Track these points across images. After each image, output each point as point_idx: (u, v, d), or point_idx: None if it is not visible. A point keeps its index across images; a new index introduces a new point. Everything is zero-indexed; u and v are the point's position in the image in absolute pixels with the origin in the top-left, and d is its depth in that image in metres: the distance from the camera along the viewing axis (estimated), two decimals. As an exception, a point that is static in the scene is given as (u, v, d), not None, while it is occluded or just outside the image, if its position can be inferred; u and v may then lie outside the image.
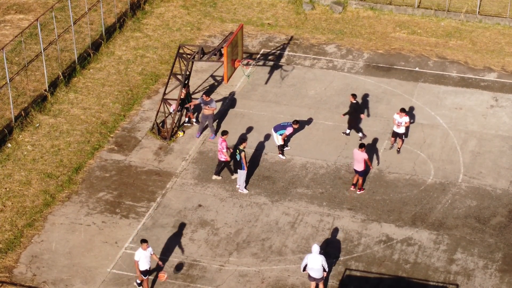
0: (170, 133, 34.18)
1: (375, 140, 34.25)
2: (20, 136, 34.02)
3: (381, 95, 37.17)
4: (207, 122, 34.25)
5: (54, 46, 38.81)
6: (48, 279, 27.63)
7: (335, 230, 29.76)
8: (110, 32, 41.13)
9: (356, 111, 33.94)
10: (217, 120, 35.15)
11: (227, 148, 31.49)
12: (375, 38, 41.69)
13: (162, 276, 26.39)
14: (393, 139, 33.51)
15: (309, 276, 26.47)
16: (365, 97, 36.99)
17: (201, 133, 34.47)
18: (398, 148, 33.44)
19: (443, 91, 37.51)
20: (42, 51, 36.54)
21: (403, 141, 33.44)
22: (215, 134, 34.45)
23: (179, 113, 34.89)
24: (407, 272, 28.06)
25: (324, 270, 26.29)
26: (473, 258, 28.62)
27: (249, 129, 34.91)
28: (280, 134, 32.76)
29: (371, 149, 33.63)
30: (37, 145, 33.58)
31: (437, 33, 42.18)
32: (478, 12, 43.25)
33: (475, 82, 38.24)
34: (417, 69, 39.22)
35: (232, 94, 36.90)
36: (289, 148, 33.70)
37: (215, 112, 34.39)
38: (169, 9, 44.13)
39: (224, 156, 31.44)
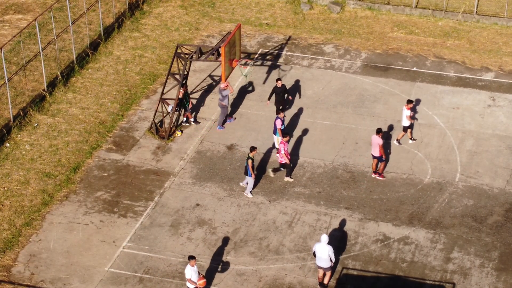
0: (168, 132, 34.27)
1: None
2: (19, 135, 34.12)
3: (378, 95, 37.27)
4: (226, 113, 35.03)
5: (52, 46, 38.90)
6: (46, 278, 27.73)
7: (333, 229, 29.85)
8: (108, 32, 41.22)
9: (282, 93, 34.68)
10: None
11: (286, 150, 31.30)
12: (373, 38, 41.78)
13: (203, 283, 26.18)
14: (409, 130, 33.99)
15: (317, 265, 27.06)
16: (362, 96, 37.09)
17: (221, 124, 34.93)
18: (397, 139, 33.88)
19: (440, 91, 37.61)
20: (41, 51, 36.63)
21: (404, 133, 33.81)
22: (222, 126, 34.79)
23: (177, 112, 34.99)
24: (404, 271, 28.15)
25: (331, 260, 26.67)
26: (469, 257, 28.72)
27: (247, 129, 35.00)
28: (277, 134, 32.87)
29: (367, 148, 33.73)
30: (35, 145, 33.67)
31: (434, 33, 42.29)
32: (476, 12, 43.35)
33: (472, 82, 38.34)
34: (414, 68, 39.32)
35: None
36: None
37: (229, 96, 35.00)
38: (167, 9, 44.22)
39: (283, 159, 31.27)
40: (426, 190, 31.70)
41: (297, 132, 34.88)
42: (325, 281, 27.21)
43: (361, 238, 29.45)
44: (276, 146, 33.15)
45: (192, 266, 25.74)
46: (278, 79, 34.65)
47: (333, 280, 27.76)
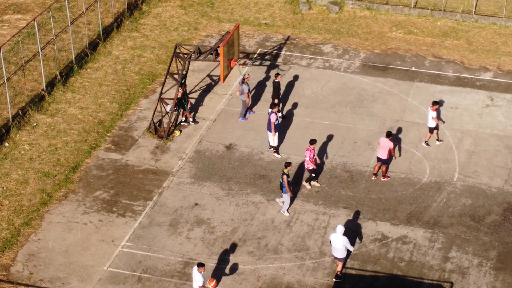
0: (167, 132, 34.32)
1: (371, 139, 34.37)
2: (18, 135, 34.16)
3: (377, 95, 37.32)
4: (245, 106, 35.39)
5: (51, 46, 38.94)
6: (45, 277, 27.77)
7: (331, 229, 29.89)
8: (107, 32, 41.27)
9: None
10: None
11: (312, 157, 30.98)
12: (372, 38, 41.84)
13: (214, 284, 26.04)
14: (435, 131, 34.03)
15: (333, 255, 27.53)
16: (360, 96, 37.14)
17: (243, 116, 35.29)
18: (425, 140, 33.93)
19: (439, 91, 37.65)
20: (40, 51, 36.67)
21: (431, 135, 33.80)
22: (244, 118, 35.24)
23: (176, 112, 35.04)
24: (402, 270, 28.20)
25: (348, 250, 27.21)
26: (467, 256, 28.76)
27: (246, 128, 35.05)
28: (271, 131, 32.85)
29: (365, 148, 33.79)
30: (34, 144, 33.72)
31: (433, 32, 42.33)
32: (474, 12, 43.40)
33: (470, 82, 38.39)
34: (413, 68, 39.37)
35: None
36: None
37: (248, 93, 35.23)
38: (166, 9, 44.27)
39: (309, 165, 31.02)
40: (425, 190, 31.75)
41: (295, 132, 34.92)
42: (338, 270, 27.66)
43: (359, 238, 29.49)
44: (271, 143, 33.15)
45: (201, 273, 25.68)
46: (277, 74, 34.74)
47: (331, 279, 27.81)
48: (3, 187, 31.47)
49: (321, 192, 31.61)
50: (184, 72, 34.47)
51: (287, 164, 29.72)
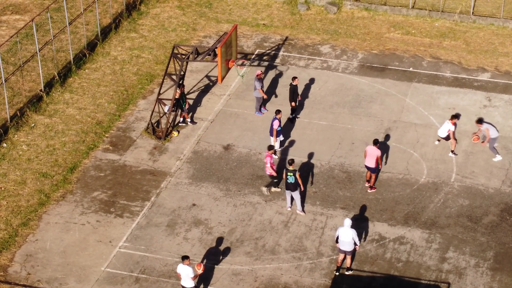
0: (165, 133, 34.35)
1: (369, 140, 34.40)
2: (16, 136, 34.20)
3: (375, 95, 37.35)
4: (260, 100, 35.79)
5: (49, 47, 38.97)
6: (43, 278, 27.80)
7: (328, 229, 29.93)
8: (105, 32, 41.30)
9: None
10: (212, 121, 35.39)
11: (272, 163, 30.90)
12: (370, 39, 41.88)
13: (202, 268, 26.27)
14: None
15: (339, 249, 27.64)
16: (358, 96, 37.17)
17: (259, 110, 35.70)
18: (452, 150, 33.57)
19: (436, 91, 37.70)
20: (38, 52, 36.71)
21: (455, 142, 33.52)
22: (260, 112, 35.69)
23: (174, 113, 35.08)
24: (399, 271, 28.23)
25: (356, 243, 27.39)
26: (464, 256, 28.81)
27: (244, 129, 35.09)
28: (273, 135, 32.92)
29: (363, 149, 33.82)
30: (32, 145, 33.75)
31: (431, 33, 42.38)
32: (472, 12, 43.45)
33: (468, 82, 38.43)
34: (411, 69, 39.41)
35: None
36: (280, 149, 33.89)
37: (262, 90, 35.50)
38: (164, 9, 44.31)
39: (270, 171, 30.96)
40: (422, 190, 31.79)
41: (293, 132, 34.96)
42: (348, 264, 27.86)
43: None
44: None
45: (188, 265, 25.89)
46: (294, 77, 34.79)
47: (329, 279, 27.86)
48: (1, 188, 31.50)
49: (319, 192, 31.65)
50: (182, 73, 34.51)
51: (292, 162, 29.74)
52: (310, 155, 33.57)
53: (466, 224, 30.18)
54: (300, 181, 29.80)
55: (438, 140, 34.14)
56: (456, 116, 33.27)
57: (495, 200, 31.32)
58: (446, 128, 33.13)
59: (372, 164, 31.09)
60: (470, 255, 28.84)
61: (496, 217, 30.51)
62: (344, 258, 27.95)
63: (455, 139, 33.33)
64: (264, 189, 31.40)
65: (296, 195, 30.08)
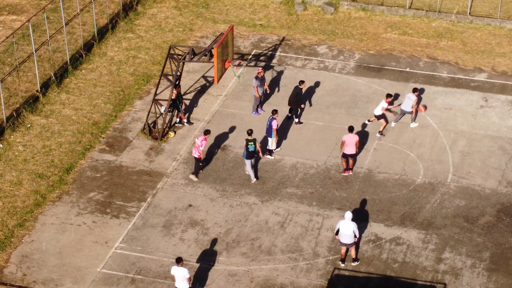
0: (161, 133, 34.32)
1: (366, 140, 34.39)
2: (12, 136, 34.16)
3: (371, 96, 37.33)
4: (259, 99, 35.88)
5: (46, 47, 38.93)
6: (38, 279, 27.77)
7: (325, 230, 29.91)
8: (102, 33, 41.26)
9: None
10: (205, 122, 35.33)
11: (202, 148, 31.73)
12: (367, 39, 41.86)
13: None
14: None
15: (340, 242, 27.92)
16: (355, 97, 37.15)
17: (255, 110, 35.83)
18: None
19: (433, 91, 37.68)
20: (34, 52, 36.66)
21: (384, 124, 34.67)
22: (256, 112, 35.78)
23: (170, 113, 35.04)
24: (396, 271, 28.22)
25: (355, 236, 27.68)
26: (461, 257, 28.79)
27: (240, 130, 35.05)
28: (272, 136, 32.88)
29: (360, 149, 33.81)
30: (28, 146, 33.71)
31: (428, 33, 42.36)
32: (469, 13, 43.43)
33: (465, 83, 38.42)
34: (408, 69, 39.40)
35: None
36: (279, 149, 33.87)
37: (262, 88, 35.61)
38: (161, 10, 44.27)
39: (198, 153, 31.65)
40: (418, 191, 31.77)
41: (290, 133, 34.94)
42: (353, 255, 28.25)
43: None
44: (269, 147, 33.15)
45: (182, 266, 25.96)
46: (302, 81, 34.83)
47: (325, 280, 27.84)
48: (-3, 189, 31.51)
49: (315, 193, 31.63)
50: (178, 73, 34.48)
51: (250, 132, 31.55)
52: (307, 156, 33.54)
53: (462, 225, 30.16)
54: (259, 148, 31.41)
55: (370, 120, 34.85)
56: (390, 95, 34.04)
57: (491, 200, 31.31)
58: (381, 106, 33.96)
59: (353, 151, 31.91)
60: (467, 256, 28.82)
61: (492, 218, 30.49)
62: (347, 250, 28.27)
63: (386, 121, 34.30)
64: (192, 176, 32.03)
65: (255, 162, 31.56)
